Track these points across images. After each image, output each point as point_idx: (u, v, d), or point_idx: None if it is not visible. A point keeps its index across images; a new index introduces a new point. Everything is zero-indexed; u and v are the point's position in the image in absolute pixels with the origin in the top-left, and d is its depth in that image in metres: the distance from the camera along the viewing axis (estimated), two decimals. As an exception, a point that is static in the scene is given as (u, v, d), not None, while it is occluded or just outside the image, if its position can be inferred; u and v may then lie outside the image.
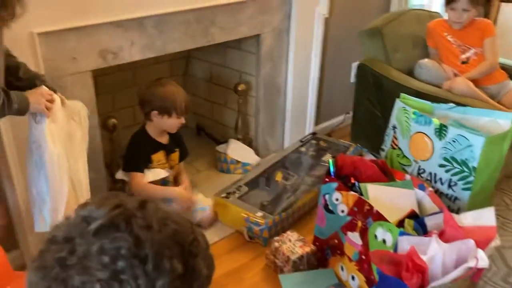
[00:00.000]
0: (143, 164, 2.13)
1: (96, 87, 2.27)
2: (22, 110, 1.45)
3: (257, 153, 2.78)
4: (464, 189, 1.89)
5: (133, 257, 0.60)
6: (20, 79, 1.55)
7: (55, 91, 1.58)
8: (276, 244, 1.98)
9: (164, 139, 2.18)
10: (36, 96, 1.49)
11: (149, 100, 2.09)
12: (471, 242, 1.46)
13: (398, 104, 2.12)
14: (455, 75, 2.57)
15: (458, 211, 1.88)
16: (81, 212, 0.65)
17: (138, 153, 2.14)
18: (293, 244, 1.97)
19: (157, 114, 2.09)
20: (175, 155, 2.23)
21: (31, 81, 1.56)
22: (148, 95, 2.10)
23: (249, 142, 2.81)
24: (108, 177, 2.26)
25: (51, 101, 1.53)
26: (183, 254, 0.64)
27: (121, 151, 2.69)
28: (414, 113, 2.00)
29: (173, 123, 2.10)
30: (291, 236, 2.02)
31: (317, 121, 3.10)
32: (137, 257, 0.60)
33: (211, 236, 2.16)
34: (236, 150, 2.72)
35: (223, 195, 2.28)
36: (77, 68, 1.87)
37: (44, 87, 1.53)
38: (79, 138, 1.66)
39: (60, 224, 0.66)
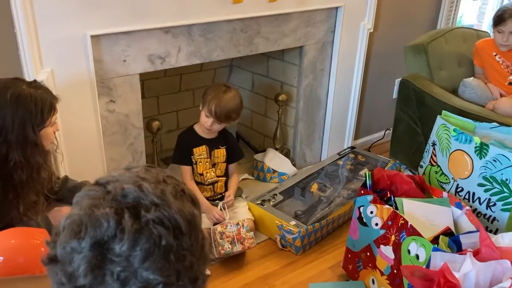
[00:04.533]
0: (185, 156, 2.23)
1: (143, 91, 2.37)
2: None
3: (294, 164, 2.80)
4: (503, 210, 1.84)
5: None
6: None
7: None
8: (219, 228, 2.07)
9: (209, 136, 2.25)
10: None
11: (204, 95, 2.20)
12: (507, 263, 1.43)
13: (439, 121, 2.10)
14: (501, 95, 2.52)
15: (496, 232, 1.84)
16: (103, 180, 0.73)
17: (181, 146, 2.25)
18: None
19: (201, 104, 2.19)
20: (220, 152, 2.27)
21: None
22: (207, 88, 2.22)
23: (286, 153, 2.83)
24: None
25: None
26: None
27: (163, 153, 2.79)
28: (454, 130, 1.98)
29: (202, 118, 2.18)
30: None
31: (356, 136, 3.10)
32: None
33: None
34: (274, 160, 2.75)
35: (258, 202, 2.31)
36: (126, 71, 1.96)
37: None
38: None
39: None
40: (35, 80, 1.55)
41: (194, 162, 2.24)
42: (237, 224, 2.06)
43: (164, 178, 0.73)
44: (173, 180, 0.74)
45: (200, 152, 2.23)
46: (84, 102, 1.86)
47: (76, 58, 1.77)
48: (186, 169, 2.24)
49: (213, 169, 2.28)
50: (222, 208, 2.19)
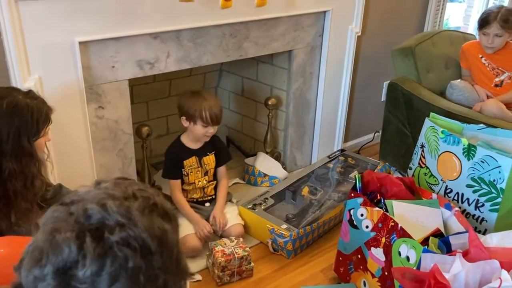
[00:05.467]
0: (176, 171, 2.22)
1: (132, 96, 2.36)
2: None
3: (285, 167, 2.81)
4: (491, 210, 1.86)
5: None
6: None
7: None
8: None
9: (196, 145, 2.24)
10: None
11: (181, 106, 2.19)
12: (495, 263, 1.44)
13: (427, 123, 2.12)
14: (488, 97, 2.56)
15: (485, 233, 1.86)
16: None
17: (171, 161, 2.24)
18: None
19: (185, 120, 2.17)
20: (209, 159, 2.27)
21: None
22: (181, 101, 2.20)
23: (277, 156, 2.84)
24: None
25: None
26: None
27: (153, 159, 2.78)
28: (442, 132, 2.00)
29: (199, 131, 2.16)
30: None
31: (346, 138, 3.11)
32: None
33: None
34: (264, 164, 2.75)
35: (249, 206, 2.31)
36: (115, 77, 1.95)
37: None
38: None
39: None
40: (30, 90, 1.55)
41: (185, 174, 2.23)
42: (241, 258, 2.00)
43: (134, 192, 0.69)
44: (144, 193, 0.70)
45: (190, 163, 2.22)
46: (73, 108, 1.85)
47: (64, 64, 1.76)
48: (175, 183, 2.23)
49: (206, 177, 2.28)
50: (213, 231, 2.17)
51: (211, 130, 2.17)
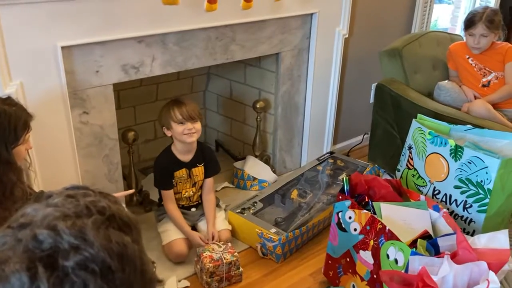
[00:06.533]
0: (167, 181, 2.18)
1: (119, 101, 2.34)
2: None
3: (274, 171, 2.80)
4: (479, 211, 1.86)
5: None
6: None
7: None
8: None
9: (187, 158, 2.20)
10: None
11: (159, 117, 2.17)
12: (483, 264, 1.43)
13: (415, 124, 2.11)
14: (475, 97, 2.56)
15: (473, 234, 1.85)
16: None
17: (161, 172, 2.19)
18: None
19: (165, 129, 2.14)
20: (198, 170, 2.23)
21: None
22: (159, 113, 2.17)
23: (266, 160, 2.83)
24: (126, 188, 2.30)
25: None
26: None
27: (141, 164, 2.76)
28: (429, 133, 1.99)
29: (178, 131, 2.09)
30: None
31: (335, 141, 3.11)
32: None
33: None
34: (253, 167, 2.74)
35: (238, 210, 2.29)
36: (99, 81, 1.93)
37: None
38: None
39: None
40: (9, 97, 1.52)
41: (174, 184, 2.20)
42: (230, 263, 1.98)
43: (87, 205, 0.63)
44: (98, 204, 0.64)
45: (180, 175, 2.19)
46: (56, 114, 1.82)
47: (47, 70, 1.74)
48: (168, 193, 2.18)
49: (193, 188, 2.25)
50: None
51: (190, 126, 2.08)
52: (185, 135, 2.10)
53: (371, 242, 1.72)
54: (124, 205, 2.08)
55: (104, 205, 0.65)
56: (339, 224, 1.87)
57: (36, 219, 0.61)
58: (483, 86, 2.60)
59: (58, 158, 1.88)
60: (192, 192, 2.25)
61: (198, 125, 2.12)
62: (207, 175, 2.26)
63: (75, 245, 0.58)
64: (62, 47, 1.74)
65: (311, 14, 2.53)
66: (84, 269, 0.58)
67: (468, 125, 2.09)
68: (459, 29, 4.04)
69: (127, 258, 0.62)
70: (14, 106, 1.45)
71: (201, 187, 2.28)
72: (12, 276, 0.56)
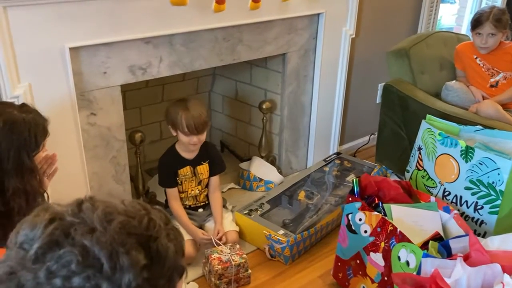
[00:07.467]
0: (171, 179, 2.18)
1: (125, 102, 2.32)
2: None
3: (280, 172, 2.78)
4: (490, 212, 1.84)
5: (86, 268, 0.55)
6: None
7: None
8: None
9: (191, 155, 2.19)
10: None
11: (166, 114, 2.15)
12: (497, 267, 1.42)
13: (424, 125, 2.10)
14: (483, 98, 2.54)
15: (484, 235, 1.84)
16: (17, 239, 0.60)
17: (166, 171, 2.19)
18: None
19: (171, 128, 2.14)
20: (202, 168, 2.22)
21: None
22: (167, 109, 2.16)
23: (272, 160, 2.81)
24: (133, 189, 2.29)
25: None
26: (141, 242, 0.59)
27: (147, 165, 2.74)
28: (439, 134, 1.98)
29: (183, 139, 2.10)
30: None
31: (342, 141, 3.09)
32: (90, 266, 0.55)
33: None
34: (259, 168, 2.72)
35: (245, 212, 2.28)
36: (106, 83, 1.92)
37: None
38: None
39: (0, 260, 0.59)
40: (24, 104, 1.50)
41: (179, 183, 2.19)
42: (238, 265, 1.97)
43: (70, 234, 0.58)
44: (83, 230, 0.59)
45: (185, 173, 2.18)
46: (64, 116, 1.81)
47: (55, 71, 1.73)
48: (172, 191, 2.18)
49: (199, 186, 2.24)
50: (216, 244, 2.09)
51: (195, 139, 2.09)
52: (188, 144, 2.12)
53: (382, 244, 1.71)
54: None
55: (88, 231, 0.60)
56: (349, 226, 1.86)
57: (19, 269, 0.58)
58: (491, 86, 2.58)
59: (66, 160, 1.85)
60: (198, 190, 2.24)
61: (203, 136, 2.13)
62: (212, 173, 2.26)
63: None
64: (70, 48, 1.73)
65: (318, 14, 2.52)
66: None
67: (478, 126, 2.07)
68: (465, 29, 4.03)
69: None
70: (31, 113, 1.42)
71: (207, 186, 2.27)
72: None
